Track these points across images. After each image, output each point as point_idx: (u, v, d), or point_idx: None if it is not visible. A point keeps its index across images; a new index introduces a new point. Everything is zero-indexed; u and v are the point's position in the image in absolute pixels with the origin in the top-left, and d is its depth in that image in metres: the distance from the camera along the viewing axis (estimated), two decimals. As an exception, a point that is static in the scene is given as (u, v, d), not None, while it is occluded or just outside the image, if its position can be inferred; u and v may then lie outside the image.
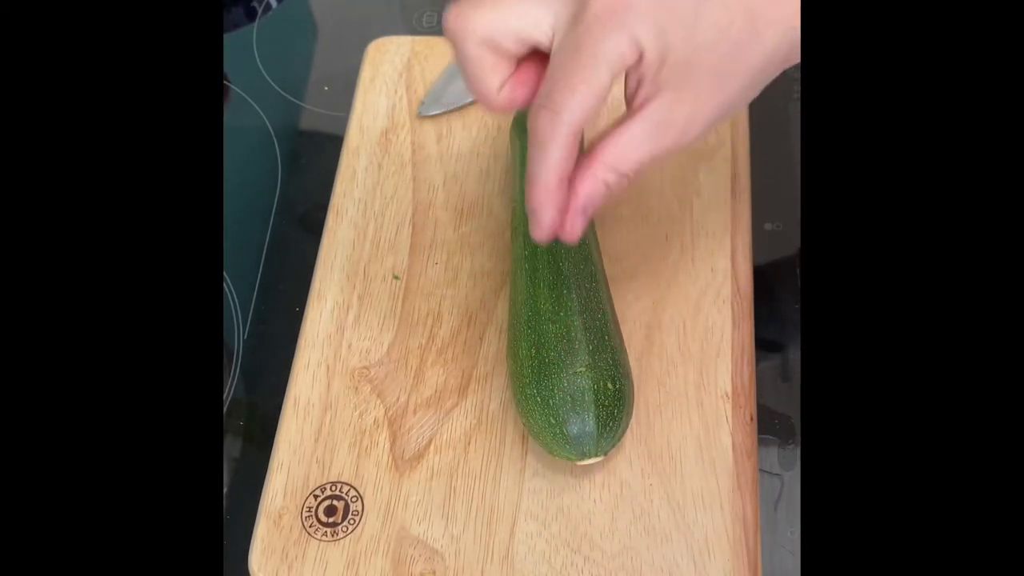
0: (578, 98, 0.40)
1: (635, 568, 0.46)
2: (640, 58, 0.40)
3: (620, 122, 0.42)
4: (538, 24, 0.42)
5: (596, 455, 0.46)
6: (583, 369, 0.46)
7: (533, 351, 0.47)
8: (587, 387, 0.46)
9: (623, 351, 0.48)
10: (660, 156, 0.42)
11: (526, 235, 0.50)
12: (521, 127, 0.56)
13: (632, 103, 0.42)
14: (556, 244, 0.49)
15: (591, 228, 0.53)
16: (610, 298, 0.50)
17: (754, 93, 0.42)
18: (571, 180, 0.43)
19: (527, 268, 0.50)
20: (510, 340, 0.50)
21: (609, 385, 0.46)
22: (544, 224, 0.43)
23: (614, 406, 0.46)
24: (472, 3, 0.43)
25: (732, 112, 0.43)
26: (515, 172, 0.55)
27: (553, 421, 0.46)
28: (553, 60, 0.42)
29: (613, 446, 0.47)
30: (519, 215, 0.53)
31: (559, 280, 0.49)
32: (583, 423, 0.46)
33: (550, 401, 0.46)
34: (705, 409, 0.49)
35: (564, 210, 0.43)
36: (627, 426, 0.47)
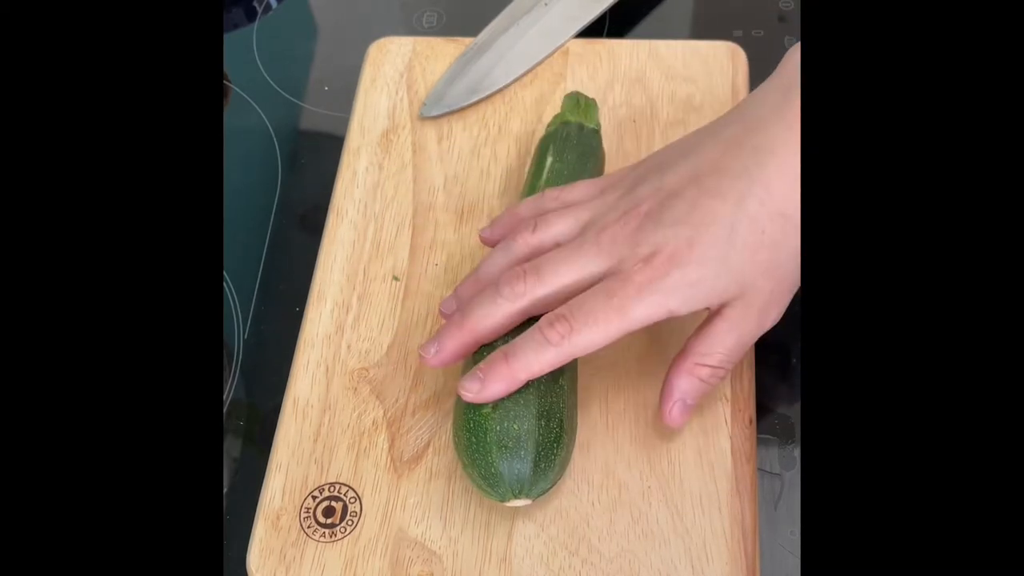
0: (593, 332, 0.44)
1: (633, 571, 0.46)
2: (670, 314, 0.45)
3: (704, 323, 0.47)
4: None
5: (516, 497, 0.45)
6: (488, 410, 0.45)
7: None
8: (490, 427, 0.45)
9: (551, 391, 0.46)
10: (746, 344, 0.46)
11: None
12: (550, 144, 0.55)
13: (710, 311, 0.46)
14: None
15: None
16: None
17: None
18: (668, 375, 0.47)
19: None
20: None
21: (514, 425, 0.45)
22: (484, 394, 0.45)
23: (520, 447, 0.44)
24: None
25: (797, 286, 0.46)
26: (529, 184, 0.54)
27: (466, 462, 0.46)
28: (588, 291, 0.45)
29: (537, 489, 0.45)
30: None
31: None
32: (488, 464, 0.45)
33: (460, 442, 0.46)
34: (704, 412, 0.49)
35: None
36: (549, 469, 0.45)
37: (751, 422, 0.50)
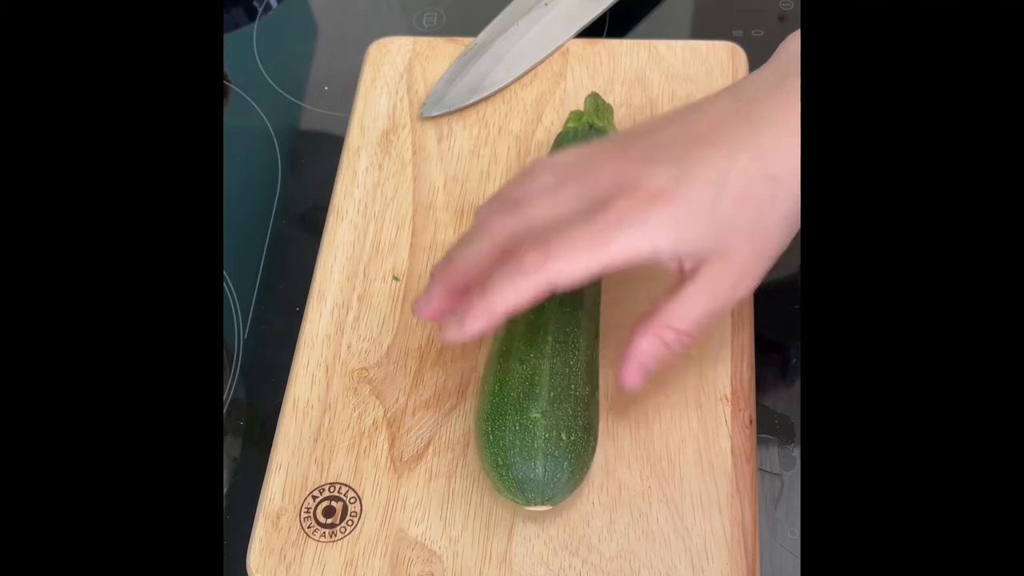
0: (570, 261, 0.42)
1: (633, 571, 0.46)
2: (654, 253, 0.42)
3: (676, 287, 0.44)
4: None
5: (542, 503, 0.45)
6: (538, 415, 0.45)
7: (496, 387, 0.46)
8: (539, 434, 0.44)
9: (591, 404, 0.47)
10: (716, 312, 0.44)
11: None
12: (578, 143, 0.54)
13: (683, 274, 0.44)
14: None
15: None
16: (593, 349, 0.49)
17: (792, 237, 0.44)
18: (633, 335, 0.44)
19: None
20: (483, 372, 0.49)
21: (563, 436, 0.45)
22: (465, 332, 0.43)
23: (564, 457, 0.45)
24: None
25: (777, 258, 0.44)
26: None
27: (500, 462, 0.45)
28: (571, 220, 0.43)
29: (562, 497, 0.46)
30: None
31: (539, 320, 0.47)
32: (529, 469, 0.44)
33: (500, 441, 0.45)
34: (704, 412, 0.49)
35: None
36: (580, 480, 0.46)
37: (751, 422, 0.50)
